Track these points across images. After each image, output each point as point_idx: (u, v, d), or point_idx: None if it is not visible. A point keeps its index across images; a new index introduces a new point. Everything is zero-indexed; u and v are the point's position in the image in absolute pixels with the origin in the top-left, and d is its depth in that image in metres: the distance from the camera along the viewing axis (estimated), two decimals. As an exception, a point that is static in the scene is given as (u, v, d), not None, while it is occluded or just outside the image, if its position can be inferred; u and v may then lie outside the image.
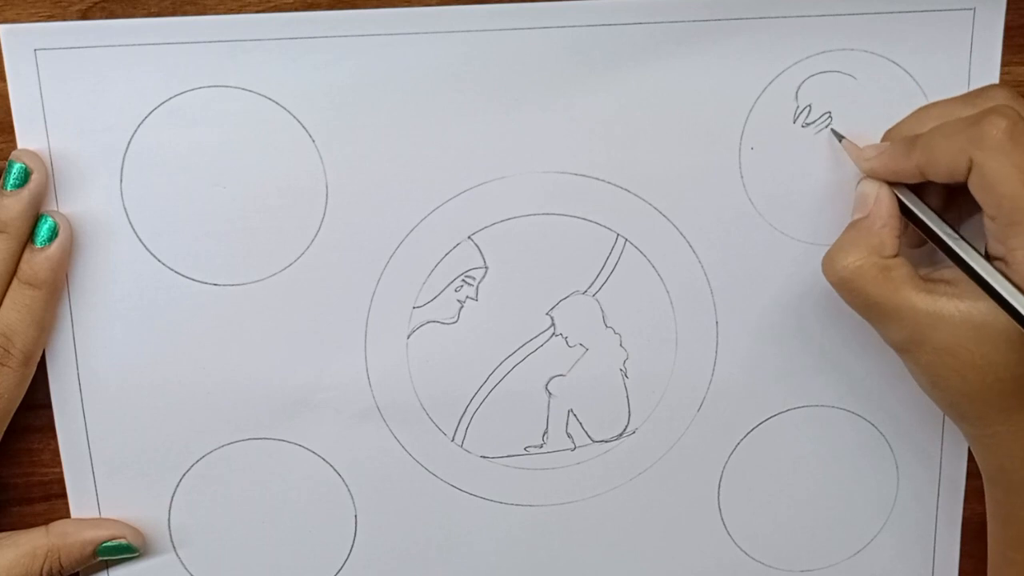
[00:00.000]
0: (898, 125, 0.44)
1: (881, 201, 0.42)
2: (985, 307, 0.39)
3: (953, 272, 0.40)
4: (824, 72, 0.44)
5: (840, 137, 0.44)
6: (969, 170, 0.38)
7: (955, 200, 0.43)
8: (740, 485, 0.49)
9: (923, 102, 0.45)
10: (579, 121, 0.44)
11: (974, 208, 0.39)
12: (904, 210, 0.42)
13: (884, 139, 0.44)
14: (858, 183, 0.43)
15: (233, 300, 0.43)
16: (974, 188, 0.38)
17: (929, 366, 0.40)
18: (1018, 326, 0.38)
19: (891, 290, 0.40)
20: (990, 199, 0.38)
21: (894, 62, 0.44)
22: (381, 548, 0.47)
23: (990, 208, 0.38)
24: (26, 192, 0.40)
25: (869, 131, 0.44)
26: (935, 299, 0.39)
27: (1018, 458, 0.41)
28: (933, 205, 0.42)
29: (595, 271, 0.46)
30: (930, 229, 0.41)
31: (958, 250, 0.40)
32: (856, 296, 0.41)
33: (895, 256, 0.41)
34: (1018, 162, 0.37)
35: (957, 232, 0.40)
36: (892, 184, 0.42)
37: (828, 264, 0.42)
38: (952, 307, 0.39)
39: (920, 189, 0.42)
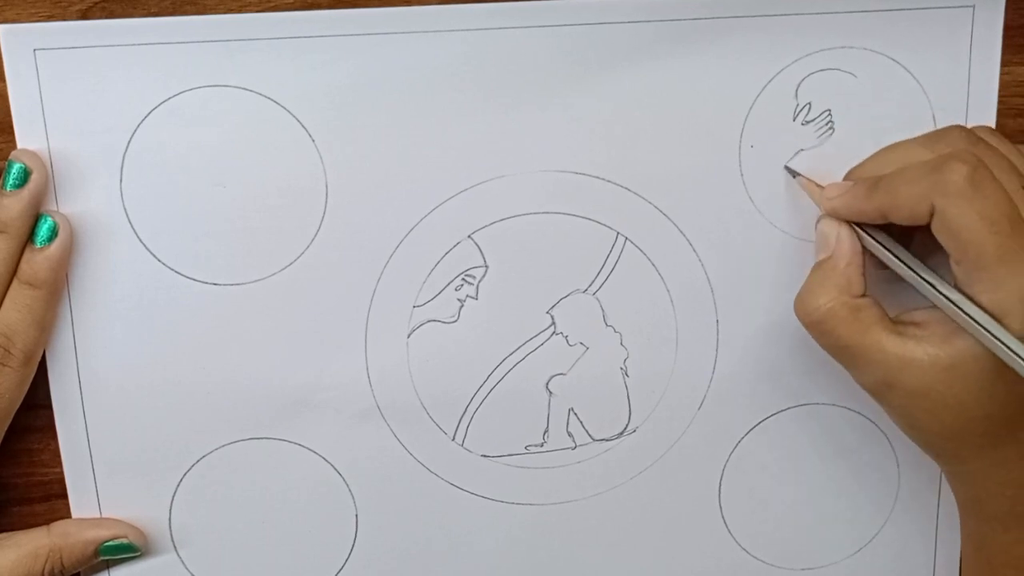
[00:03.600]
0: (860, 166, 0.43)
1: (843, 240, 0.42)
2: (955, 348, 0.39)
3: (923, 314, 0.40)
4: (824, 70, 0.44)
5: (795, 174, 0.44)
6: (931, 215, 0.38)
7: (918, 236, 0.42)
8: (741, 483, 0.49)
9: (923, 100, 0.45)
10: (579, 120, 0.44)
11: (937, 244, 0.39)
12: (870, 246, 0.42)
13: (845, 179, 0.44)
14: (817, 222, 0.43)
15: (233, 300, 0.43)
16: (938, 233, 0.38)
17: (902, 408, 0.41)
18: (995, 360, 0.38)
19: (861, 332, 0.40)
20: (955, 245, 0.38)
21: (894, 60, 0.44)
22: (382, 547, 0.47)
23: (955, 253, 0.38)
24: (26, 192, 0.40)
25: (865, 144, 0.44)
26: (904, 342, 0.39)
27: (992, 491, 0.41)
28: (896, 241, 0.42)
29: (595, 270, 0.46)
30: (899, 264, 0.40)
31: (931, 282, 0.39)
32: (828, 338, 0.41)
33: (863, 295, 0.41)
34: (980, 208, 0.37)
35: (927, 268, 0.40)
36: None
37: (800, 307, 0.42)
38: (922, 350, 0.39)
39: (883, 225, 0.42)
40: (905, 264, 0.40)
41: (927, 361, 0.39)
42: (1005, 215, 0.37)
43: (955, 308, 0.38)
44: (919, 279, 0.40)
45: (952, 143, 0.41)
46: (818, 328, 0.41)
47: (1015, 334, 0.37)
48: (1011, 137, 0.44)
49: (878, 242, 0.41)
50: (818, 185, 0.44)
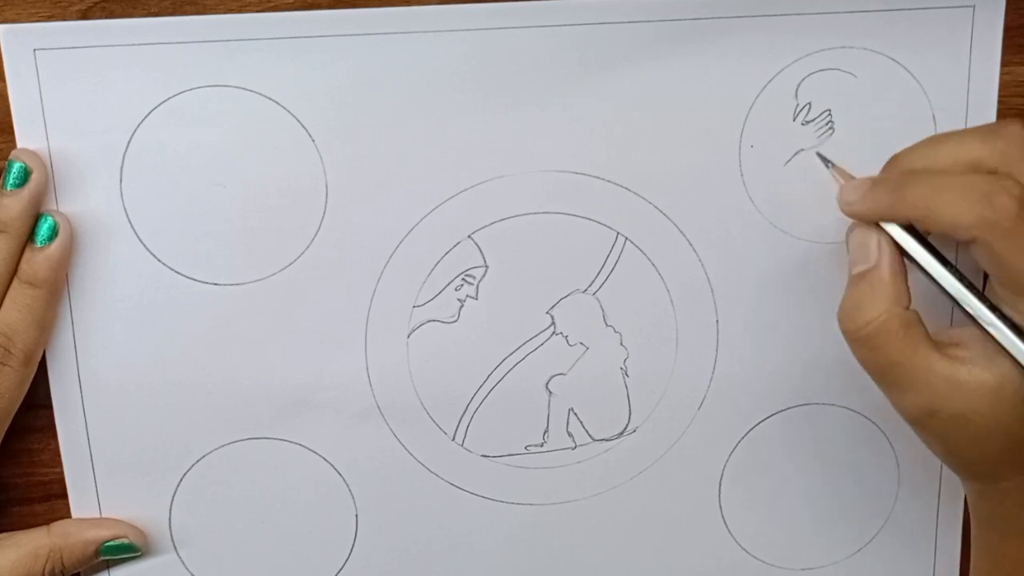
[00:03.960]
0: (909, 153, 0.41)
1: (886, 250, 0.39)
2: (1000, 371, 0.37)
3: (961, 333, 0.39)
4: (824, 70, 0.44)
5: (828, 163, 0.43)
6: (973, 241, 0.37)
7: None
8: (741, 483, 0.49)
9: (923, 100, 0.45)
10: (579, 120, 0.44)
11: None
12: (913, 254, 0.40)
13: (888, 167, 0.41)
14: (850, 230, 0.41)
15: (233, 300, 0.43)
16: (981, 260, 0.37)
17: (942, 435, 0.39)
18: None
19: (912, 349, 0.38)
20: (1001, 273, 0.37)
21: (894, 60, 0.44)
22: (382, 547, 0.47)
23: (1000, 279, 0.37)
24: (26, 191, 0.40)
25: (865, 144, 0.44)
26: (951, 363, 0.38)
27: (1020, 506, 0.40)
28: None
29: (595, 270, 0.46)
30: (947, 281, 0.39)
31: (975, 309, 0.38)
32: (877, 354, 0.39)
33: (909, 308, 0.39)
34: None
35: (969, 283, 0.39)
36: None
37: (848, 321, 0.39)
38: (967, 372, 0.37)
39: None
40: (949, 282, 0.39)
41: (973, 384, 0.37)
42: None
43: (1004, 334, 0.37)
44: (965, 299, 0.38)
45: (1010, 141, 0.38)
46: (868, 344, 0.39)
47: None
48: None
49: (914, 258, 0.39)
50: (851, 177, 0.42)
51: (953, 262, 0.39)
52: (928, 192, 0.38)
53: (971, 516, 0.44)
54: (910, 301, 0.39)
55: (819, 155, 0.43)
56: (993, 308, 0.38)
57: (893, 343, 0.38)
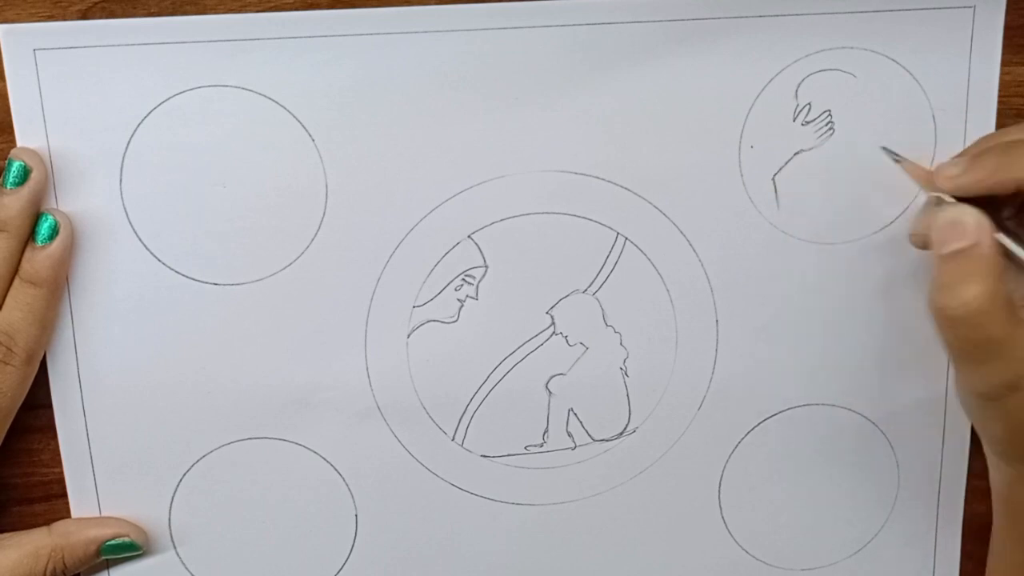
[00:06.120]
0: (998, 132, 0.41)
1: (983, 226, 0.38)
2: None
3: None
4: (824, 70, 0.44)
5: (897, 158, 0.42)
6: None
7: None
8: (741, 484, 0.49)
9: (923, 100, 0.45)
10: (579, 120, 0.44)
11: None
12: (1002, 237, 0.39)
13: (979, 144, 0.41)
14: (933, 212, 0.40)
15: (233, 300, 0.44)
16: None
17: (1016, 412, 0.38)
18: None
19: (1014, 324, 0.37)
20: None
21: (894, 60, 0.44)
22: (382, 547, 0.47)
23: None
24: (26, 190, 0.40)
25: (865, 145, 0.44)
26: None
27: None
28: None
29: (595, 270, 0.46)
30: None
31: None
32: (978, 332, 0.38)
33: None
34: None
35: None
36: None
37: (949, 300, 0.38)
38: None
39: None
40: None
41: None
42: None
43: None
44: None
45: None
46: (971, 321, 0.38)
47: None
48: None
49: (1012, 234, 0.39)
50: (926, 169, 0.41)
51: None
52: None
53: (1004, 508, 0.43)
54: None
55: (885, 149, 0.43)
56: None
57: (996, 319, 0.37)
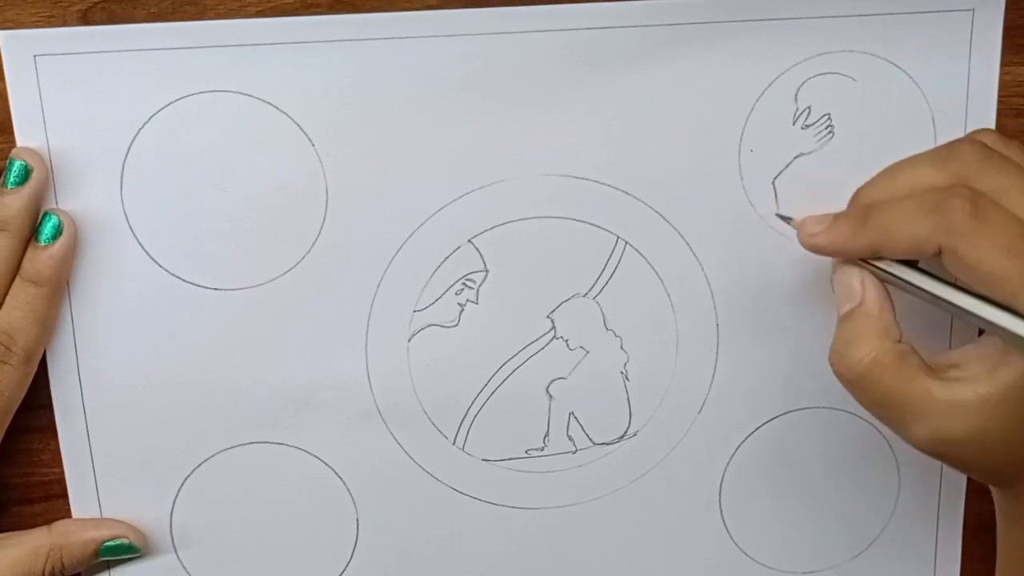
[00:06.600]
0: (866, 188, 0.40)
1: (870, 286, 0.39)
2: (1003, 381, 0.36)
3: (957, 355, 0.39)
4: (824, 74, 0.44)
5: (788, 220, 0.43)
6: (939, 252, 0.36)
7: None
8: (742, 487, 0.49)
9: (922, 103, 0.45)
10: (579, 124, 0.44)
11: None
12: (901, 285, 0.39)
13: (851, 202, 0.41)
14: (833, 273, 0.41)
15: (234, 304, 0.44)
16: (952, 268, 0.37)
17: (960, 458, 0.38)
18: None
19: (908, 380, 0.37)
20: (976, 278, 0.36)
21: (894, 64, 0.44)
22: (383, 551, 0.47)
23: (979, 286, 0.36)
24: (27, 190, 0.40)
25: (865, 148, 0.44)
26: (951, 386, 0.37)
27: None
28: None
29: (595, 274, 0.46)
30: (942, 295, 0.38)
31: (985, 314, 0.37)
32: (874, 392, 0.38)
33: (901, 340, 0.38)
34: (992, 238, 0.35)
35: (970, 291, 0.38)
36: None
37: (840, 362, 0.39)
38: (970, 391, 0.36)
39: None
40: (953, 294, 0.38)
41: (977, 402, 0.36)
42: (1020, 236, 0.36)
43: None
44: (973, 305, 0.37)
45: (962, 161, 0.38)
46: (863, 382, 0.38)
47: None
48: (1011, 137, 0.43)
49: (902, 279, 0.39)
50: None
51: None
52: (884, 216, 0.38)
53: (1001, 514, 0.43)
54: (901, 334, 0.39)
55: (779, 216, 0.44)
56: (1002, 306, 0.37)
57: (888, 377, 0.38)
